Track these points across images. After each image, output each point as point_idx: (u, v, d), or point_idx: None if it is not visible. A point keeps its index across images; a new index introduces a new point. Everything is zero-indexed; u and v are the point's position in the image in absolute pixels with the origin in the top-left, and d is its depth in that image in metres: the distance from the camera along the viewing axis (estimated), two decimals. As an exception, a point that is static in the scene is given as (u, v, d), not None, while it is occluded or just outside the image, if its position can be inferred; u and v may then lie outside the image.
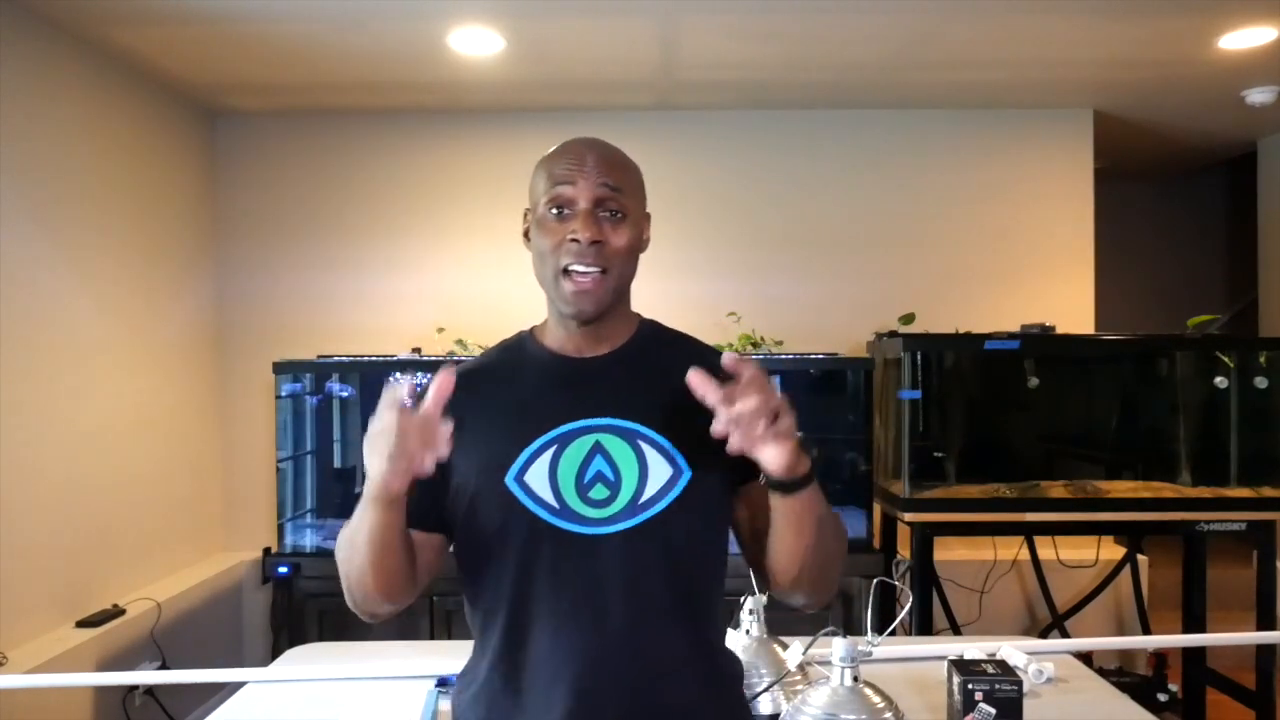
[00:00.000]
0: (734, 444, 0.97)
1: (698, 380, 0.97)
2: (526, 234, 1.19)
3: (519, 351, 1.22)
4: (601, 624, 1.09)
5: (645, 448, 1.12)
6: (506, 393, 1.17)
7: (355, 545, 1.07)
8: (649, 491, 1.11)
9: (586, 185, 1.12)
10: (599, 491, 1.11)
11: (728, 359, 0.99)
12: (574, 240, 1.10)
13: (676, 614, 1.11)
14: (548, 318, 1.21)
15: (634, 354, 1.19)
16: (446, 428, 1.00)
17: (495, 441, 1.13)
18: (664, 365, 1.16)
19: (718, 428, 0.97)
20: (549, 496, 1.11)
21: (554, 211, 1.13)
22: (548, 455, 1.12)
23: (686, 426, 1.10)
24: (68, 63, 2.92)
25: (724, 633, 1.22)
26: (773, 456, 0.98)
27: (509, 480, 1.11)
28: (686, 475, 1.11)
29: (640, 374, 1.17)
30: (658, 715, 1.10)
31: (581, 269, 1.10)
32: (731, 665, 1.21)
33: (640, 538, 1.10)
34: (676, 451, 1.12)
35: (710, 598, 1.17)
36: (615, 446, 1.12)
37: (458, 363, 1.17)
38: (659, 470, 1.11)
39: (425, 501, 1.11)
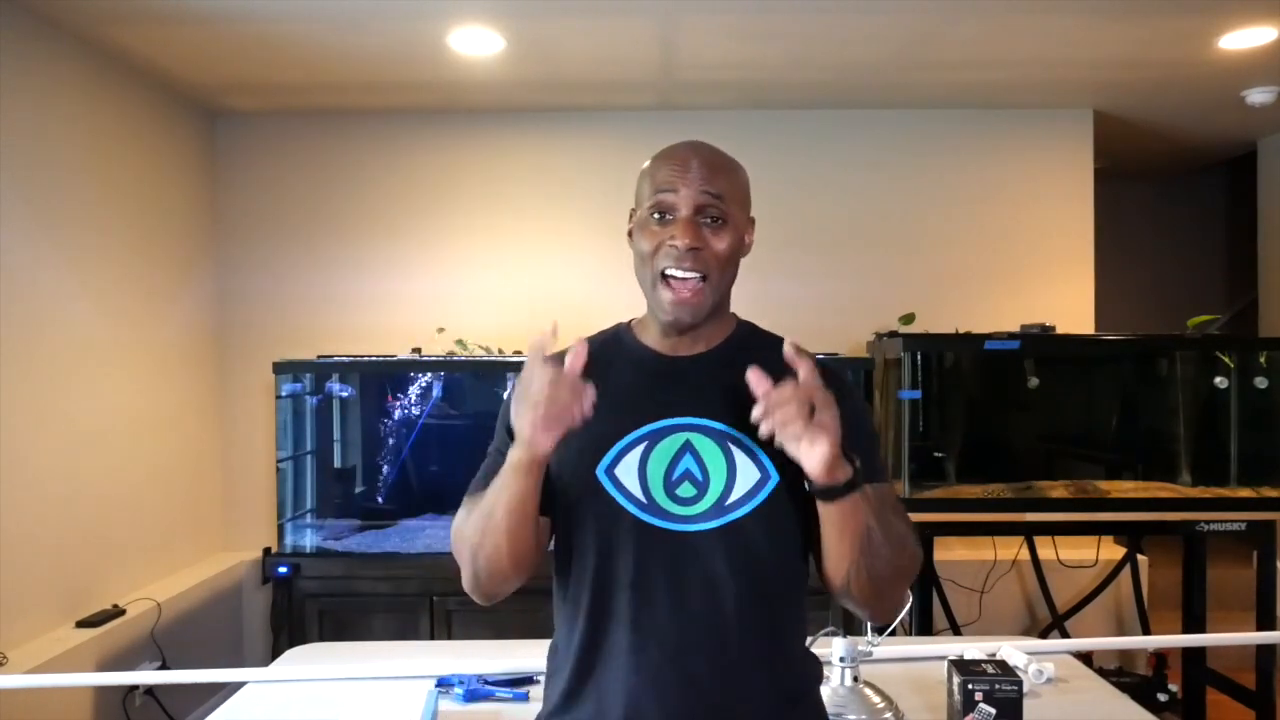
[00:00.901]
0: (764, 431, 1.01)
1: (755, 377, 1.01)
2: (631, 233, 1.20)
3: (616, 344, 1.24)
4: (681, 621, 1.11)
5: (735, 450, 1.13)
6: (602, 385, 1.17)
7: (493, 517, 1.09)
8: (735, 494, 1.12)
9: (688, 192, 1.12)
10: (686, 490, 1.13)
11: (788, 349, 1.03)
12: (673, 246, 1.12)
13: (756, 617, 1.12)
14: (646, 315, 1.23)
15: (729, 355, 1.20)
16: (590, 388, 1.04)
17: (588, 433, 1.13)
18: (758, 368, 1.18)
19: (754, 414, 1.01)
20: (637, 491, 1.13)
21: (656, 216, 1.14)
22: (639, 450, 1.14)
23: None
24: (68, 63, 2.92)
25: (804, 638, 1.22)
26: (808, 454, 1.00)
27: (599, 472, 1.14)
28: (774, 480, 1.12)
29: (734, 376, 1.16)
30: (730, 716, 1.11)
31: (680, 274, 1.12)
32: (810, 671, 1.22)
33: (724, 539, 1.11)
34: (765, 456, 1.13)
35: (791, 602, 1.17)
36: (705, 447, 1.14)
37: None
38: (747, 473, 1.13)
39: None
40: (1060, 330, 3.34)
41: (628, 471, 1.13)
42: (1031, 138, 3.90)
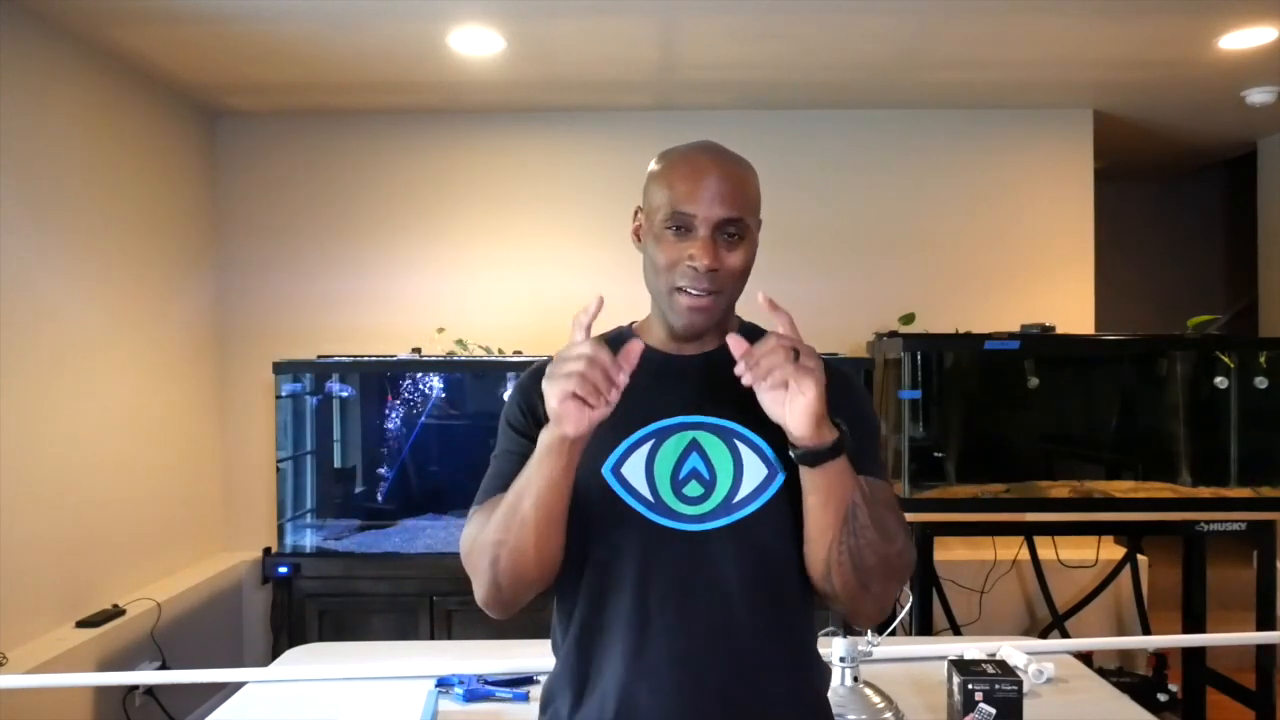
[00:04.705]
0: (747, 380, 1.01)
1: (733, 341, 1.03)
2: (636, 233, 1.18)
3: (618, 344, 1.20)
4: (687, 622, 1.08)
5: (741, 447, 1.12)
6: None
7: (518, 511, 1.04)
8: (743, 491, 1.11)
9: (707, 211, 1.09)
10: (693, 489, 1.11)
11: (762, 301, 1.03)
12: (691, 266, 1.09)
13: (765, 615, 1.10)
14: (650, 316, 1.21)
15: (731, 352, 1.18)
16: (623, 376, 1.01)
17: (594, 432, 1.10)
18: None
19: (738, 368, 1.02)
20: (644, 490, 1.11)
21: (671, 229, 1.11)
22: (645, 449, 1.12)
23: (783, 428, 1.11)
24: (68, 63, 2.92)
25: (815, 637, 1.20)
26: (793, 408, 1.01)
27: (605, 471, 1.12)
28: (781, 476, 1.11)
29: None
30: (740, 717, 1.09)
31: (695, 292, 1.10)
32: (820, 671, 1.19)
33: (733, 537, 1.10)
34: (772, 452, 1.12)
35: (801, 601, 1.15)
36: (711, 444, 1.13)
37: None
38: (754, 470, 1.12)
39: None
40: (1060, 330, 3.34)
41: (634, 470, 1.12)
42: (1031, 138, 3.90)
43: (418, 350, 3.46)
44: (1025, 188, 3.91)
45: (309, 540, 3.30)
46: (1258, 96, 3.56)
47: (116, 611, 2.96)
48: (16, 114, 2.68)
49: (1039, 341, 3.21)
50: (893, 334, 3.32)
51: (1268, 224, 4.41)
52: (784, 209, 3.86)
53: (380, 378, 3.35)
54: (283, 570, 3.07)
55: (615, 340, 1.22)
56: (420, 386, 3.33)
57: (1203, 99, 3.68)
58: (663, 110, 3.82)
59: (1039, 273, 3.89)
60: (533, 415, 1.17)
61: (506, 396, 1.24)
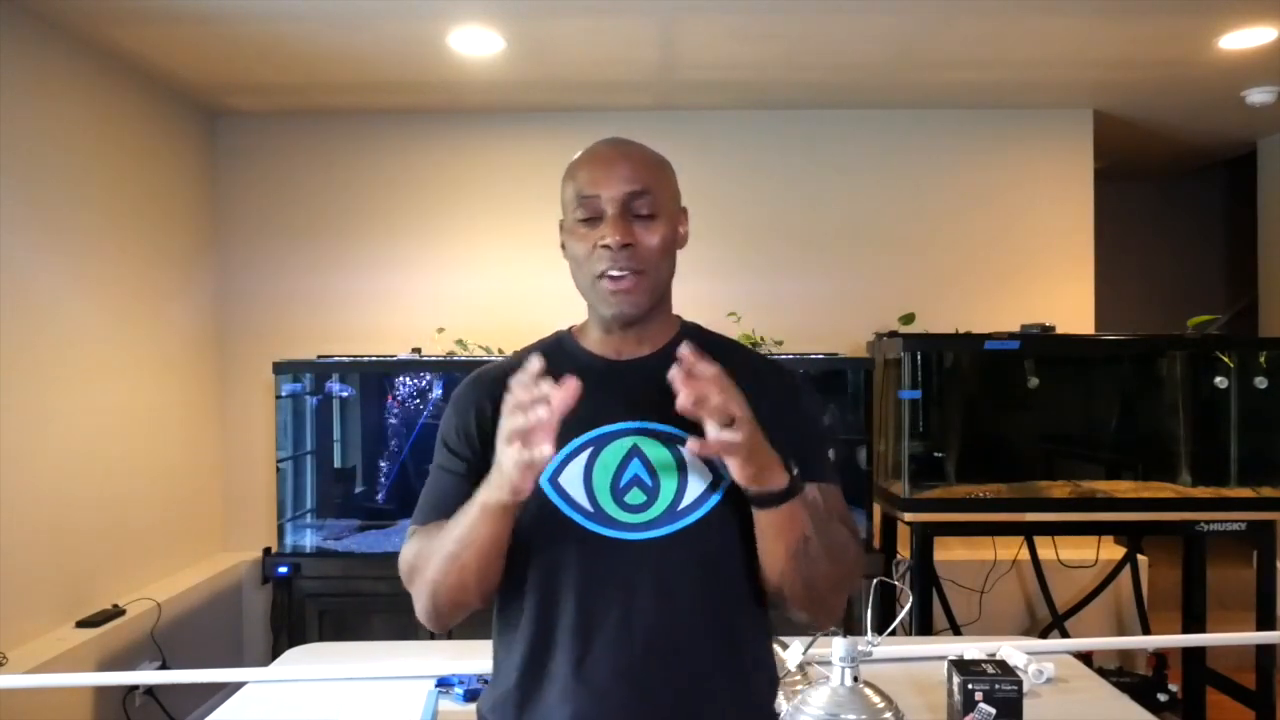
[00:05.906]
0: (693, 448, 0.96)
1: (684, 350, 0.97)
2: (564, 245, 1.16)
3: (557, 351, 1.19)
4: (631, 633, 1.06)
5: (685, 453, 1.08)
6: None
7: (459, 559, 1.04)
8: (688, 498, 1.08)
9: (612, 189, 1.09)
10: (635, 496, 1.09)
11: (683, 351, 0.97)
12: (604, 246, 1.08)
13: (711, 625, 1.09)
14: (587, 320, 1.19)
15: (674, 356, 1.17)
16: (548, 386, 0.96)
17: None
18: None
19: (681, 403, 0.95)
20: (583, 500, 1.09)
21: (583, 219, 1.11)
22: (583, 457, 1.10)
23: None
24: (68, 63, 2.92)
25: (763, 646, 1.18)
26: (733, 466, 0.97)
27: (543, 481, 1.08)
28: (726, 481, 1.07)
29: None
30: None
31: (615, 273, 1.08)
32: (764, 683, 1.17)
33: (677, 545, 1.07)
34: (717, 458, 1.07)
35: (748, 610, 1.13)
36: (654, 450, 1.10)
37: (478, 362, 1.13)
38: (698, 476, 1.09)
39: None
40: (1060, 330, 3.34)
41: (572, 479, 1.09)
42: (1031, 138, 3.90)
43: (418, 350, 3.45)
44: (1025, 188, 3.90)
45: (309, 540, 3.30)
46: (1258, 96, 3.56)
47: (116, 611, 2.96)
48: (16, 114, 2.68)
49: (1039, 341, 3.21)
50: (893, 334, 3.32)
51: (1268, 224, 4.41)
52: (784, 209, 3.87)
53: (380, 378, 3.35)
54: (283, 570, 3.07)
55: (552, 346, 1.21)
56: (420, 386, 3.33)
57: (1203, 99, 3.68)
58: (663, 110, 3.81)
59: (1039, 273, 3.89)
60: (466, 434, 1.15)
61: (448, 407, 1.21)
